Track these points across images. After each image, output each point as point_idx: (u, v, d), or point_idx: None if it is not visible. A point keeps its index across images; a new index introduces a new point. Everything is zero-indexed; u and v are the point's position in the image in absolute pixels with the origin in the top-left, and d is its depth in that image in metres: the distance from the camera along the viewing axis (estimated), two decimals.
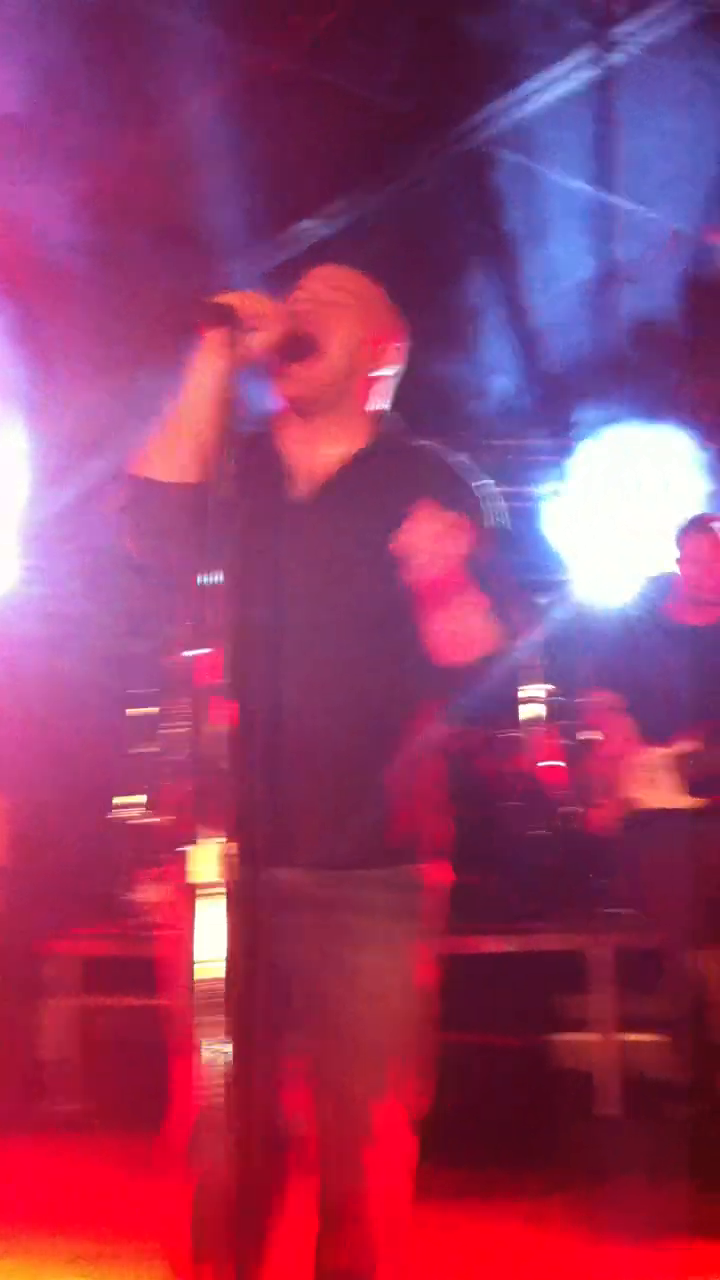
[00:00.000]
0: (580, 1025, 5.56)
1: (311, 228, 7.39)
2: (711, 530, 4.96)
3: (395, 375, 2.63)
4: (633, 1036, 5.46)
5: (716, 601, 4.92)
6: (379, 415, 2.60)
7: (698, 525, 5.02)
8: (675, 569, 4.97)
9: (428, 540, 2.19)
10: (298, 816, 2.31)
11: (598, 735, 5.11)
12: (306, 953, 2.32)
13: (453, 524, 2.20)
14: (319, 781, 2.33)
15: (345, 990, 2.31)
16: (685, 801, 4.74)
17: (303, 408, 2.52)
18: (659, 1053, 5.06)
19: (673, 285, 7.85)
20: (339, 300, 2.53)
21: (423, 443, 2.59)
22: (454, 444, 2.62)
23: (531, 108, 7.48)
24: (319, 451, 2.52)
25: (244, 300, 2.34)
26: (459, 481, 2.53)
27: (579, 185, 7.53)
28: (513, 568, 2.60)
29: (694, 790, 4.74)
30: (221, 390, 2.28)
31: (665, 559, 5.05)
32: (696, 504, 8.07)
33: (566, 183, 7.52)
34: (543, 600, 6.85)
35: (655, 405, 8.09)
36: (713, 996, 5.13)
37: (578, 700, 6.65)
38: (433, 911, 2.42)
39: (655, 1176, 4.45)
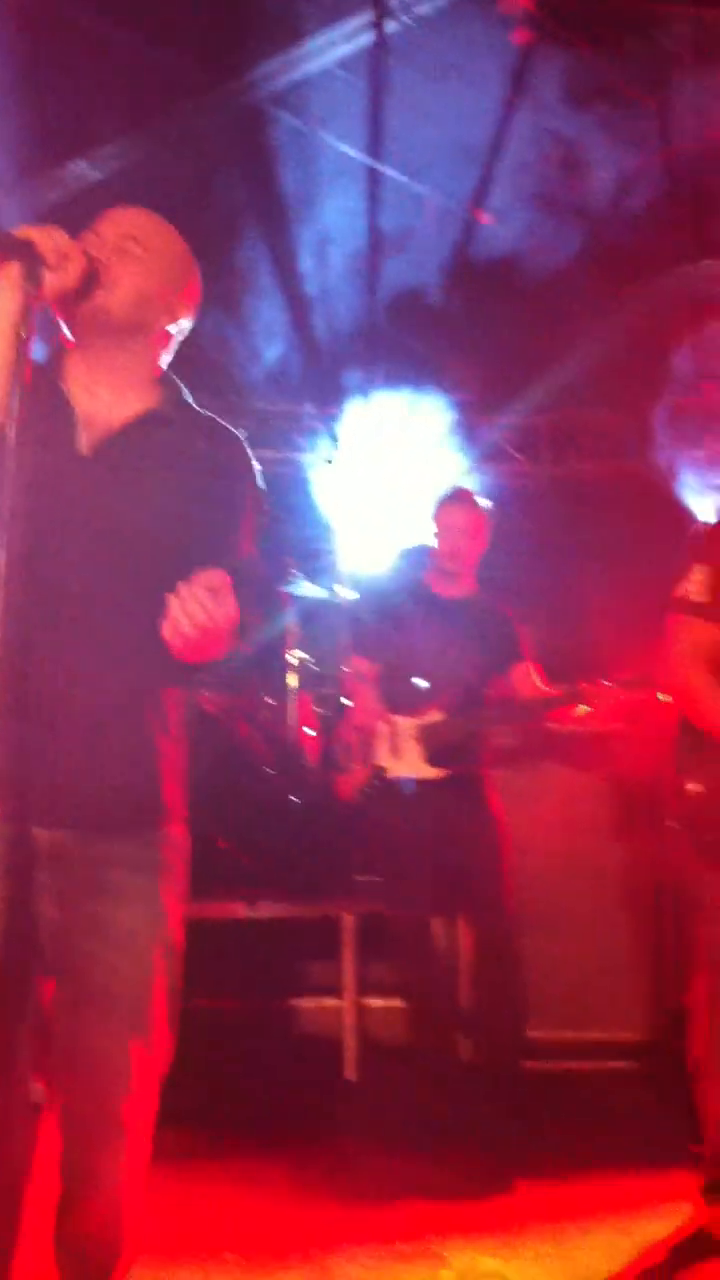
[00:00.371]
0: (325, 991, 5.60)
1: (82, 171, 7.18)
2: (466, 502, 5.01)
3: (183, 333, 2.56)
4: (375, 1002, 5.54)
5: (468, 573, 4.99)
6: (165, 375, 2.53)
7: (453, 498, 5.06)
8: (432, 541, 5.02)
9: (193, 617, 2.17)
10: (54, 777, 2.30)
11: (349, 703, 5.14)
12: (61, 910, 2.31)
13: (217, 592, 2.18)
14: (72, 743, 2.31)
15: (98, 945, 2.32)
16: (429, 771, 4.81)
17: (91, 354, 2.42)
18: (400, 1018, 5.14)
19: (438, 259, 7.93)
20: (138, 246, 2.43)
21: (208, 414, 2.55)
22: (221, 409, 2.59)
23: (308, 69, 7.44)
24: (105, 402, 2.43)
25: (43, 235, 2.23)
26: (244, 458, 2.52)
27: (352, 152, 7.53)
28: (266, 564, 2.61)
29: (436, 760, 4.81)
30: (13, 328, 2.17)
31: (424, 530, 5.09)
32: (455, 477, 8.22)
33: (339, 148, 7.50)
34: (306, 569, 6.84)
35: (418, 378, 8.18)
36: (452, 962, 5.25)
37: (337, 668, 6.69)
38: (181, 873, 2.43)
39: (393, 1139, 4.54)
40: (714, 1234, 3.46)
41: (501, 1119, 4.66)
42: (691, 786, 3.49)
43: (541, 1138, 4.52)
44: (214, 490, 2.45)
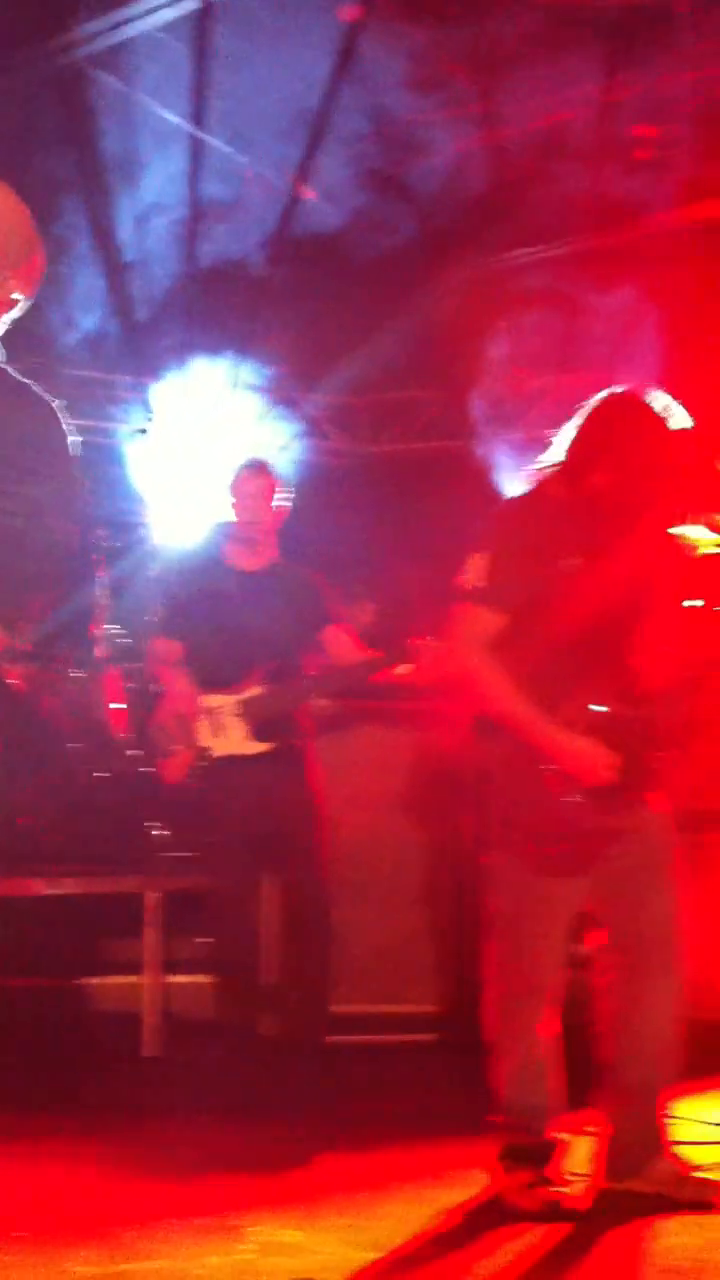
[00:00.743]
0: (127, 968, 5.55)
1: None
2: (259, 470, 5.00)
3: (16, 308, 2.48)
4: (179, 979, 5.51)
5: (268, 541, 4.98)
6: None
7: (246, 465, 5.03)
8: (231, 505, 5.00)
9: None
10: None
11: (159, 688, 5.09)
12: None
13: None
14: None
15: None
16: (253, 747, 4.80)
17: None
18: (205, 994, 5.13)
19: (260, 232, 7.89)
20: None
21: (23, 380, 2.47)
22: (32, 375, 2.53)
23: (131, 32, 7.31)
24: None
25: None
26: (57, 425, 2.45)
27: (174, 119, 7.43)
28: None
29: (258, 735, 4.79)
30: None
31: (224, 504, 5.06)
32: (271, 451, 8.20)
33: (162, 114, 7.39)
34: (117, 541, 6.74)
35: (236, 352, 8.13)
36: (263, 939, 5.25)
37: (146, 645, 6.61)
38: None
39: (192, 1115, 4.52)
40: (508, 1201, 3.53)
41: (302, 1093, 4.69)
42: (486, 761, 3.57)
43: (342, 1110, 4.55)
44: (24, 459, 2.39)
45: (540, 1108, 3.63)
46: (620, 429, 3.56)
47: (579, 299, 7.63)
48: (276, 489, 4.98)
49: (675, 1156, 3.67)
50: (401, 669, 4.68)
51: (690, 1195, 3.57)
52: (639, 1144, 3.62)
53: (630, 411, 3.58)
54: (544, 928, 3.65)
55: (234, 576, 4.96)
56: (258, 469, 5.01)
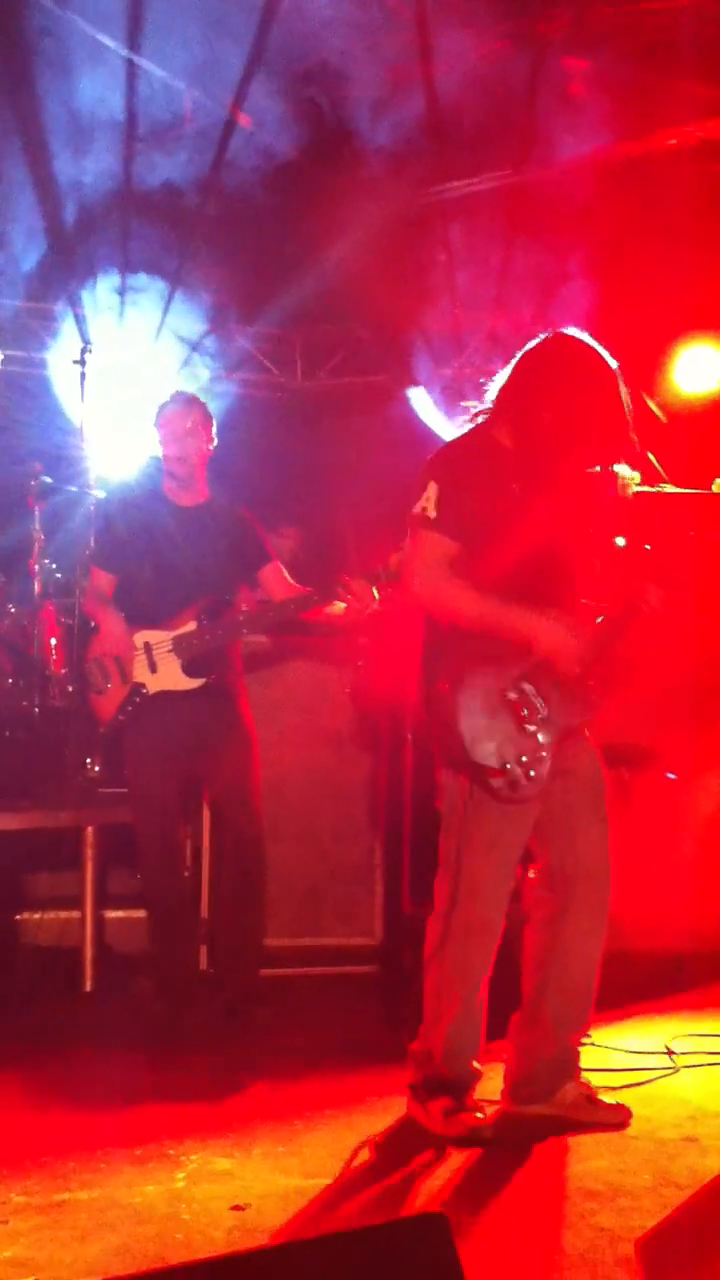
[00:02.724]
0: (65, 903, 5.63)
1: None
2: (186, 404, 4.97)
3: None
4: (115, 914, 5.60)
5: (200, 478, 4.98)
6: None
7: (172, 400, 5.00)
8: (161, 440, 4.99)
9: None
10: None
11: (93, 624, 5.11)
12: None
13: None
14: None
15: None
16: (188, 683, 4.84)
17: None
18: (143, 928, 5.22)
19: (195, 159, 7.78)
20: None
21: None
22: None
23: None
24: None
25: None
26: None
27: (109, 42, 7.29)
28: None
29: (193, 671, 4.84)
30: None
31: (152, 439, 5.05)
32: (205, 382, 8.17)
33: (96, 37, 7.25)
34: (52, 473, 6.69)
35: (171, 281, 8.06)
36: (190, 872, 5.35)
37: (78, 580, 6.61)
38: None
39: (128, 1048, 4.64)
40: (429, 1128, 3.68)
41: (235, 1025, 4.81)
42: (441, 686, 3.63)
43: (273, 1042, 4.68)
44: None
45: (474, 1045, 3.78)
46: (563, 372, 3.69)
47: (513, 235, 7.64)
48: (201, 420, 4.96)
49: (584, 1082, 3.85)
50: (332, 607, 4.72)
51: (599, 1118, 3.75)
52: (551, 1070, 3.80)
53: (573, 354, 3.71)
54: (508, 863, 3.77)
55: (171, 512, 4.97)
56: (186, 403, 4.98)
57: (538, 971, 3.83)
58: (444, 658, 3.68)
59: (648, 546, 6.26)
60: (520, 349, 3.82)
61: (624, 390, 3.72)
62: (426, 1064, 3.76)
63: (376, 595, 4.56)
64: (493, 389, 3.83)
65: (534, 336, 3.81)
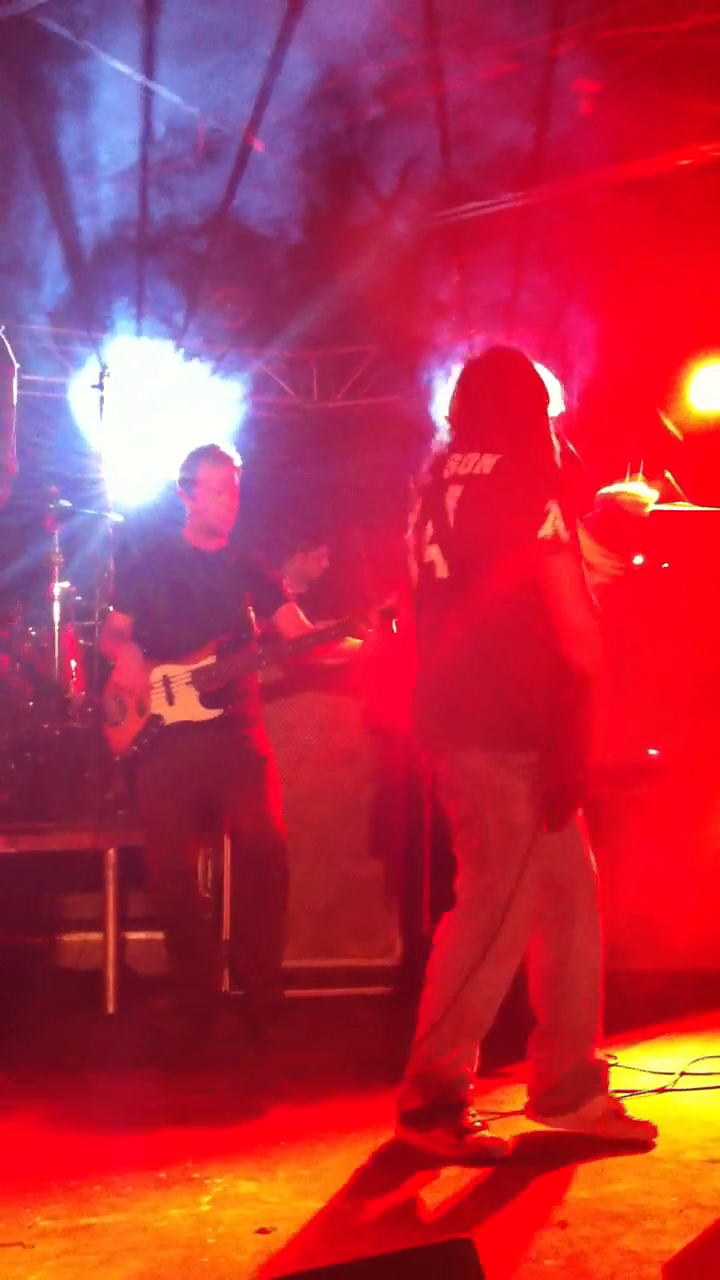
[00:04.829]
0: (87, 925, 5.64)
1: None
2: (224, 462, 5.03)
3: None
4: (138, 935, 5.61)
5: (226, 532, 5.06)
6: None
7: (213, 457, 5.05)
8: (185, 496, 5.05)
9: None
10: None
11: (110, 661, 5.16)
12: None
13: None
14: None
15: None
16: (203, 714, 4.89)
17: None
18: (161, 951, 5.22)
19: (211, 184, 7.84)
20: None
21: None
22: None
23: None
24: None
25: None
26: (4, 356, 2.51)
27: (125, 69, 7.34)
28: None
29: (210, 703, 4.89)
30: None
31: (178, 479, 5.10)
32: (222, 406, 8.19)
33: (112, 65, 7.31)
34: (71, 497, 6.73)
35: (188, 306, 8.10)
36: (211, 894, 5.36)
37: (98, 604, 6.65)
38: None
39: (155, 1069, 4.65)
40: (441, 1155, 3.65)
41: (256, 1046, 4.82)
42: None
43: (294, 1063, 4.69)
44: None
45: (470, 1070, 3.77)
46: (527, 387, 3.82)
47: (526, 255, 7.66)
48: (236, 477, 5.04)
49: (613, 1097, 3.84)
50: (347, 643, 4.76)
51: (626, 1134, 3.74)
52: (577, 1081, 3.79)
53: (523, 369, 3.84)
54: (536, 890, 3.78)
55: (190, 553, 5.06)
56: (220, 460, 5.04)
57: (553, 986, 3.84)
58: (539, 684, 3.69)
59: (665, 565, 6.30)
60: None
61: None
62: (427, 1090, 3.73)
63: (396, 629, 4.59)
64: (455, 407, 3.86)
65: (546, 355, 3.88)
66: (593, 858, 3.87)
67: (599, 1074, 3.83)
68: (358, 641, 4.70)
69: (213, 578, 5.02)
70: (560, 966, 3.82)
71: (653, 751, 5.76)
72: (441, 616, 3.80)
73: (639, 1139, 3.74)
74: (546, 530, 3.61)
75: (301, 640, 4.90)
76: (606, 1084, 3.84)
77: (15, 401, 2.46)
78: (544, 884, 3.81)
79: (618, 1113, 3.81)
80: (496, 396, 3.82)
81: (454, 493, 3.76)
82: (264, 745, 5.00)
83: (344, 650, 4.81)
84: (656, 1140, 3.75)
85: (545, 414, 3.79)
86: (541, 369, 3.84)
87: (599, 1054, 3.86)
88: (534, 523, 3.61)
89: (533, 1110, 3.82)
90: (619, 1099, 3.86)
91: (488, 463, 3.73)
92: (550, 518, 3.62)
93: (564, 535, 3.62)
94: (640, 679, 5.77)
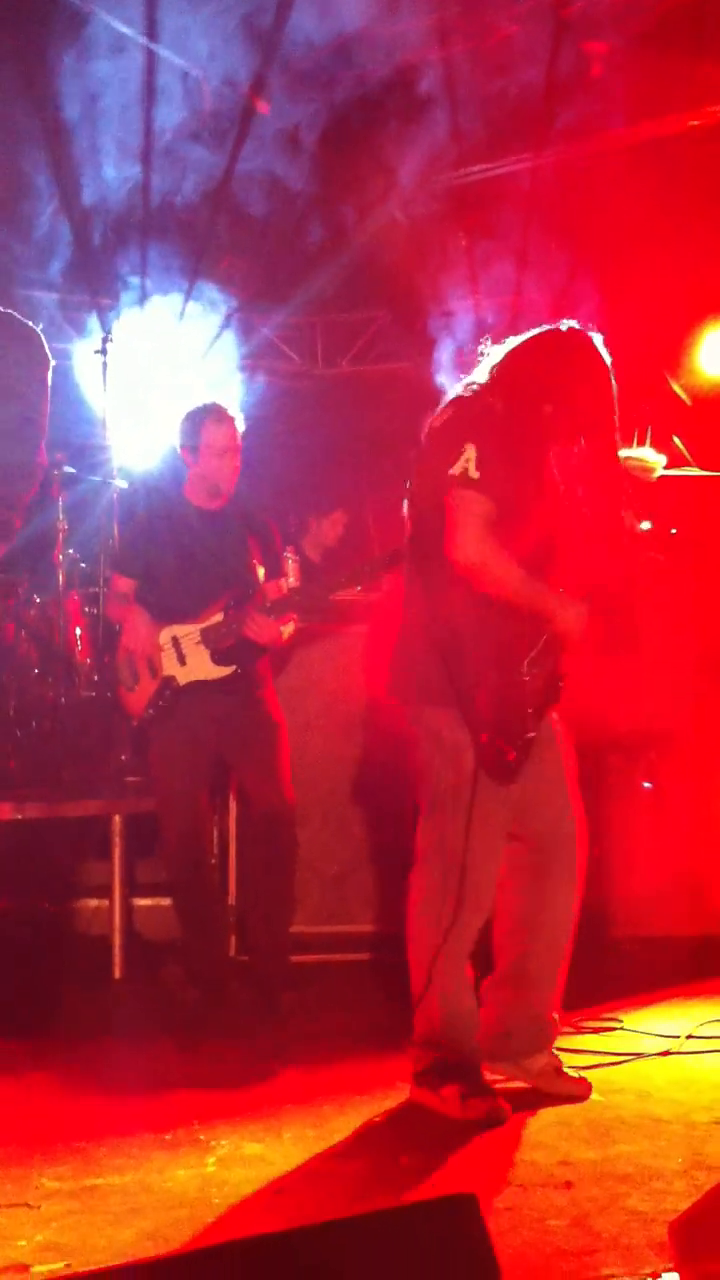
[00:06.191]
0: (95, 891, 5.65)
1: None
2: (226, 422, 4.99)
3: None
4: (144, 901, 5.62)
5: (229, 492, 5.02)
6: None
7: (216, 416, 5.00)
8: (187, 454, 5.01)
9: None
10: None
11: (118, 625, 5.14)
12: None
13: None
14: None
15: None
16: (218, 672, 4.87)
17: None
18: (165, 916, 5.23)
19: (216, 148, 7.77)
20: None
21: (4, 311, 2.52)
22: None
23: None
24: None
25: None
26: (41, 352, 2.52)
27: (128, 31, 7.28)
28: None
29: (222, 660, 4.87)
30: None
31: (179, 440, 5.06)
32: (222, 376, 8.16)
33: (115, 27, 7.24)
34: (76, 463, 6.71)
35: (192, 270, 8.06)
36: (217, 859, 5.36)
37: (102, 571, 6.62)
38: None
39: (161, 1033, 4.66)
40: (448, 1114, 3.67)
41: (262, 1010, 4.82)
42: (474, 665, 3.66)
43: (299, 1027, 4.70)
44: (14, 385, 2.45)
45: (475, 1023, 3.81)
46: (569, 367, 3.79)
47: (535, 219, 7.60)
48: (238, 437, 4.99)
49: (553, 1055, 3.92)
50: (350, 590, 4.75)
51: (563, 1090, 3.83)
52: (524, 1033, 3.87)
53: (579, 350, 3.81)
54: (502, 839, 3.80)
55: (193, 513, 5.02)
56: (223, 419, 4.99)
57: (519, 933, 3.89)
58: (467, 636, 3.69)
59: (674, 530, 6.26)
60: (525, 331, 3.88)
61: (614, 385, 3.83)
62: (431, 1049, 3.76)
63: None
64: (486, 365, 3.87)
65: (556, 320, 3.86)
66: (575, 814, 3.90)
67: (548, 1031, 3.91)
68: (357, 590, 4.67)
69: (217, 536, 4.98)
70: (533, 917, 3.88)
71: (647, 785, 5.78)
72: (408, 573, 3.89)
73: (577, 1094, 3.83)
74: (457, 468, 3.62)
75: (304, 590, 4.88)
76: (552, 1042, 3.93)
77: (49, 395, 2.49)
78: (522, 835, 3.86)
79: (558, 1069, 3.90)
80: (509, 360, 3.81)
81: (421, 450, 3.83)
82: (277, 710, 4.99)
83: (344, 599, 4.79)
84: (662, 1102, 3.77)
85: (545, 388, 3.76)
86: (595, 362, 3.79)
87: (554, 1014, 3.91)
88: (449, 462, 3.63)
89: (484, 1056, 3.84)
90: (559, 1057, 3.94)
91: (443, 417, 3.79)
92: (464, 456, 3.62)
93: (473, 474, 3.61)
94: (648, 645, 5.75)
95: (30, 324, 2.52)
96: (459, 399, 3.81)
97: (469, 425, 3.71)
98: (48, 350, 2.53)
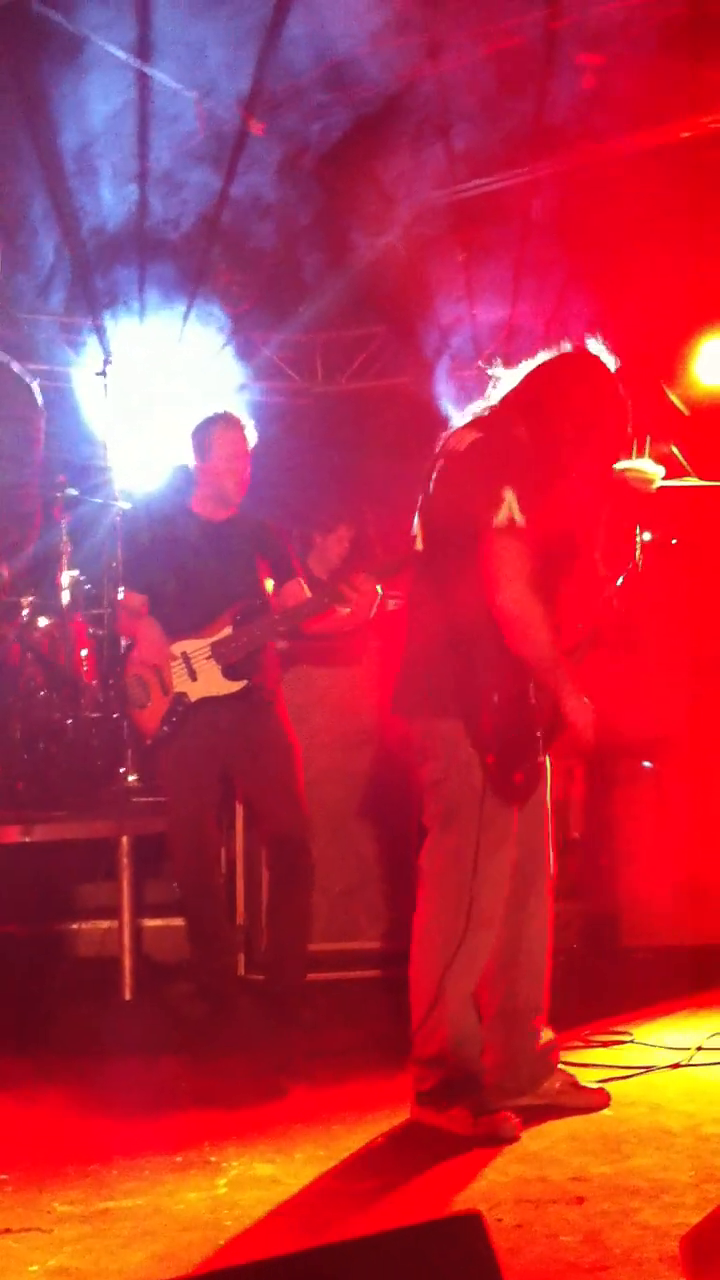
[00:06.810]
0: (103, 913, 5.64)
1: None
2: (236, 426, 4.99)
3: None
4: (153, 922, 5.61)
5: (238, 501, 5.01)
6: None
7: (226, 422, 5.01)
8: (198, 462, 5.00)
9: None
10: None
11: (129, 640, 5.13)
12: None
13: None
14: None
15: None
16: (229, 687, 4.85)
17: None
18: (178, 937, 5.23)
19: (211, 169, 7.81)
20: None
21: None
22: None
23: None
24: None
25: None
26: (16, 381, 2.52)
27: (120, 54, 7.31)
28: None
29: (232, 674, 4.85)
30: None
31: (189, 451, 5.05)
32: (228, 391, 8.18)
33: (108, 49, 7.28)
34: (77, 485, 6.73)
35: (191, 291, 8.09)
36: (225, 879, 5.35)
37: (110, 592, 6.64)
38: None
39: (172, 1054, 4.65)
40: (458, 1134, 3.66)
41: (271, 1029, 4.81)
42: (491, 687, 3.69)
43: (309, 1045, 4.69)
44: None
45: (479, 1041, 3.81)
46: (583, 390, 3.83)
47: (531, 231, 7.63)
48: (247, 444, 4.98)
49: (563, 1071, 3.93)
50: (341, 611, 4.70)
51: (583, 1102, 3.85)
52: (527, 1067, 3.87)
53: (594, 374, 3.85)
54: (509, 857, 3.80)
55: (199, 526, 5.00)
56: (233, 424, 4.98)
57: (510, 967, 3.88)
58: (480, 657, 3.70)
59: (674, 541, 6.26)
60: (538, 350, 3.92)
61: (629, 404, 3.89)
62: (437, 1068, 3.74)
63: (380, 592, 4.55)
64: (502, 389, 3.90)
65: (554, 334, 3.90)
66: (550, 846, 3.94)
67: (549, 1056, 3.92)
68: (347, 609, 4.64)
69: (224, 549, 4.94)
70: (517, 946, 3.88)
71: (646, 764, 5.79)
72: (417, 586, 3.90)
73: (596, 1105, 3.85)
74: (501, 517, 3.62)
75: (289, 613, 4.85)
76: (557, 1062, 3.94)
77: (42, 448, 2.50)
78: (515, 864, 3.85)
79: (574, 1084, 3.92)
80: (527, 385, 3.84)
81: (438, 466, 3.83)
82: (288, 727, 4.96)
83: (338, 619, 4.75)
84: (674, 1114, 3.77)
85: (568, 413, 3.79)
86: (609, 388, 3.84)
87: (545, 1034, 3.91)
88: (490, 507, 3.63)
89: (494, 1092, 3.83)
90: (569, 1072, 3.96)
91: (467, 440, 3.78)
92: (505, 504, 3.62)
93: (519, 519, 3.62)
94: (647, 653, 5.75)
95: (21, 375, 2.52)
96: (480, 420, 3.83)
97: (502, 464, 3.69)
98: (39, 401, 2.53)
